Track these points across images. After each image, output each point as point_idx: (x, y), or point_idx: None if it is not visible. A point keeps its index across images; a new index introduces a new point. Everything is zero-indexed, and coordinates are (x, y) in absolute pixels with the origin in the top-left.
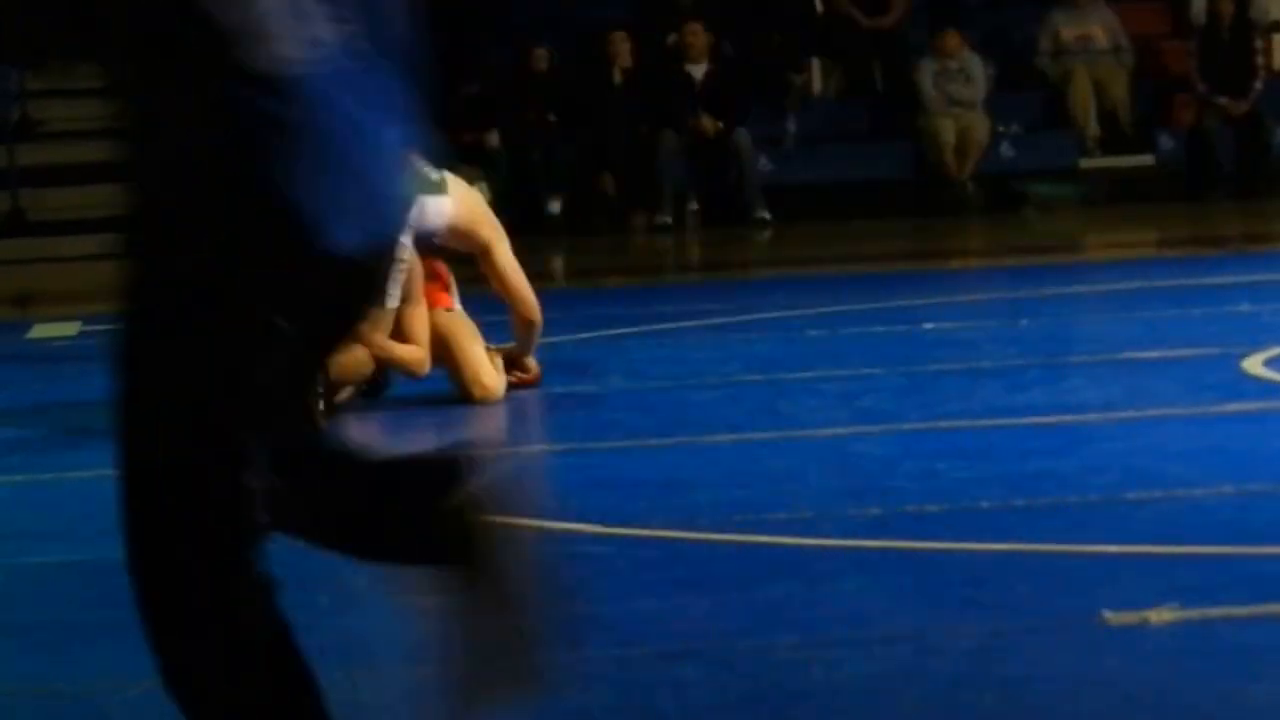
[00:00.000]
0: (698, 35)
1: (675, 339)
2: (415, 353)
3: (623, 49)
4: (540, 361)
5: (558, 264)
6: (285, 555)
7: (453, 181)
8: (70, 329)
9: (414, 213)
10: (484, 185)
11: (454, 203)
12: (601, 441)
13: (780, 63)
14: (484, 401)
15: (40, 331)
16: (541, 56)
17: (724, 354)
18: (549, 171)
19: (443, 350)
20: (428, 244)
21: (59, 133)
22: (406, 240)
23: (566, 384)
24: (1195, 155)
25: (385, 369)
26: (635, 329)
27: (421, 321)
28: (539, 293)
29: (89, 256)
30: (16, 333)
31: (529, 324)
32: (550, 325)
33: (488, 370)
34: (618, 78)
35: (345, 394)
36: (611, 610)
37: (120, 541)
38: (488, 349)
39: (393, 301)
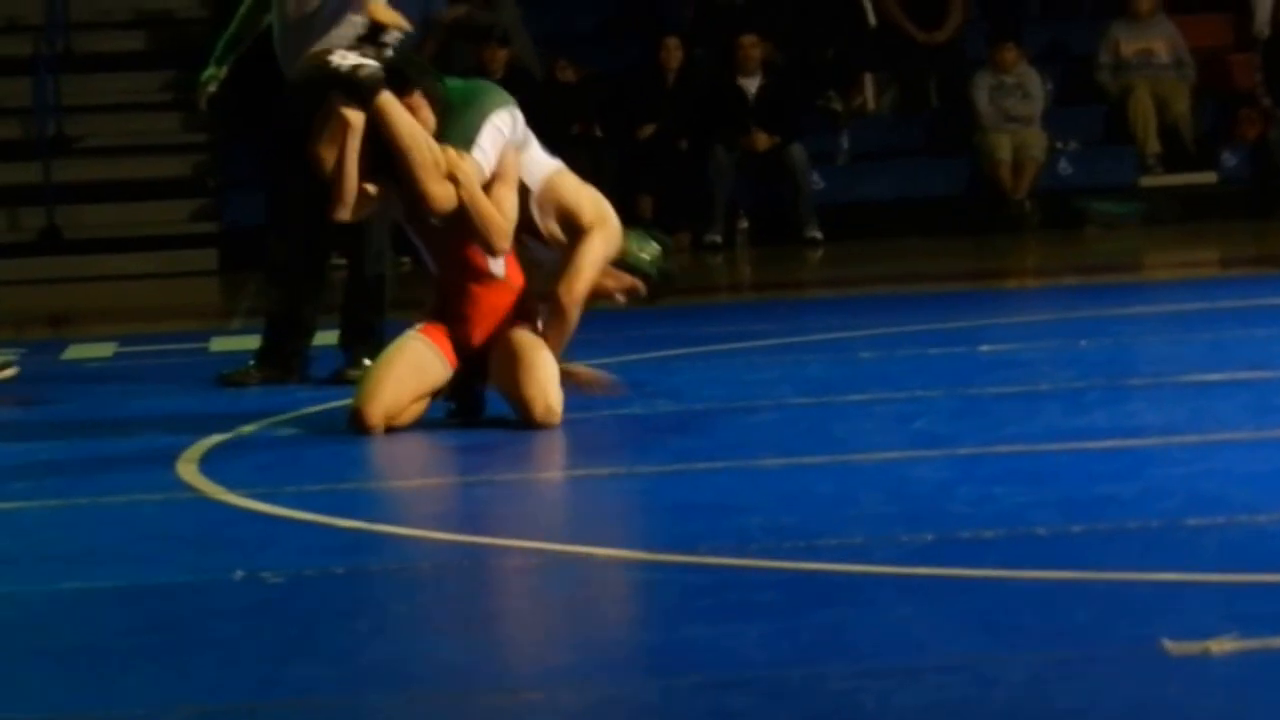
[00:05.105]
0: (754, 47)
1: (726, 360)
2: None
3: (675, 55)
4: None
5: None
6: (325, 584)
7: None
8: (106, 350)
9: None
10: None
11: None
12: (650, 465)
13: (830, 79)
14: (544, 424)
15: (75, 352)
16: (565, 68)
17: (776, 375)
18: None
19: (504, 363)
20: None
21: (95, 149)
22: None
23: (615, 406)
24: (1260, 172)
25: (471, 388)
26: (685, 350)
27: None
28: (586, 311)
29: (126, 276)
30: (51, 353)
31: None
32: (598, 346)
33: (555, 390)
34: (670, 85)
35: (421, 405)
36: (659, 638)
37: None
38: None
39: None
